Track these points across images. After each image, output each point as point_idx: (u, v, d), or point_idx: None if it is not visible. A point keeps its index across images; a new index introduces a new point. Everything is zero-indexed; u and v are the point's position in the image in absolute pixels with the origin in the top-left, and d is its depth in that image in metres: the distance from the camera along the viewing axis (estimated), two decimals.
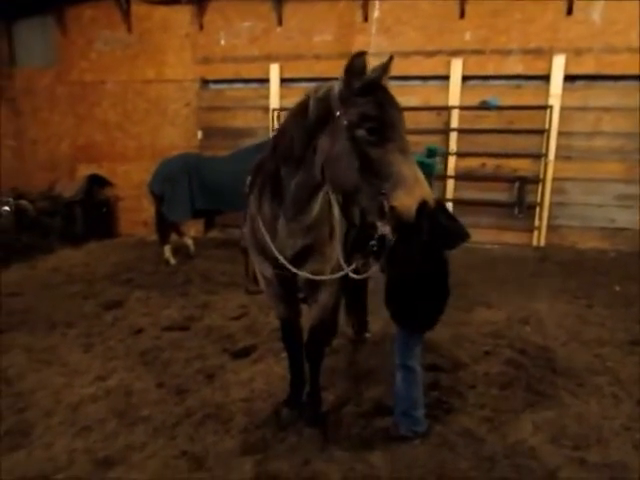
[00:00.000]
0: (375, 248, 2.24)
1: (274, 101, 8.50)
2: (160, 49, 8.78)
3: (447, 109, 7.88)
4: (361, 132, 2.08)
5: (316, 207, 2.57)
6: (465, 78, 7.78)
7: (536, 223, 7.95)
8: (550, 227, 7.96)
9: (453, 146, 7.94)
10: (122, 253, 8.10)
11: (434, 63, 7.82)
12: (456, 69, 7.73)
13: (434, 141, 8.00)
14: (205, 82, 8.84)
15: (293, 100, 8.22)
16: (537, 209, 7.91)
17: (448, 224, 2.88)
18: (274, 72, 8.41)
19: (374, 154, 2.07)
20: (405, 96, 7.97)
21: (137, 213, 8.91)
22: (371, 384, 3.70)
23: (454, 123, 7.88)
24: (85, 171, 9.16)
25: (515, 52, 7.49)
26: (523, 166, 7.81)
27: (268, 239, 2.66)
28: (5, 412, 3.34)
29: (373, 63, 7.84)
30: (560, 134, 7.60)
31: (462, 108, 7.85)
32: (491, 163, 7.92)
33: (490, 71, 7.69)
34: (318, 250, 2.74)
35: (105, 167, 9.27)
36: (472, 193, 8.05)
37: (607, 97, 7.46)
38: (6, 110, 9.52)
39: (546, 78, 7.53)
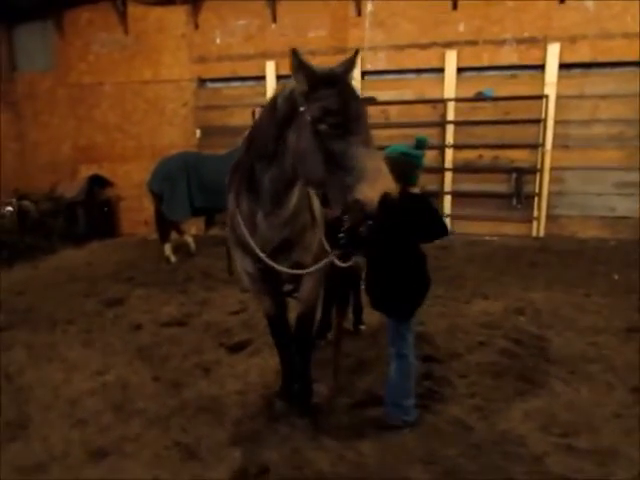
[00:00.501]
0: (343, 241, 2.29)
1: None
2: (157, 50, 8.85)
3: (443, 101, 7.88)
4: (323, 126, 2.13)
5: (293, 200, 2.61)
6: (460, 70, 7.77)
7: (535, 213, 7.94)
8: (549, 217, 7.95)
9: (450, 138, 7.94)
10: (124, 252, 8.19)
11: (428, 55, 7.83)
12: (450, 61, 7.72)
13: (431, 134, 8.04)
14: (202, 81, 8.90)
15: None
16: (536, 199, 7.89)
17: (428, 217, 2.92)
18: (270, 69, 8.45)
19: (337, 148, 2.11)
20: (400, 89, 8.03)
21: (138, 212, 8.99)
22: (364, 375, 3.74)
23: (450, 115, 7.88)
24: (86, 172, 9.26)
25: (509, 42, 7.48)
26: (520, 156, 7.80)
27: (247, 234, 2.71)
28: (5, 406, 3.43)
29: (368, 57, 7.89)
30: (557, 123, 7.58)
31: (458, 100, 7.85)
32: (488, 154, 7.91)
33: (485, 62, 7.68)
34: (298, 242, 2.78)
35: (106, 168, 9.37)
36: (470, 185, 8.05)
37: (604, 84, 7.42)
38: (8, 114, 9.63)
39: (541, 67, 7.50)
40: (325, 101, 2.15)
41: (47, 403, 3.46)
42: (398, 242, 2.83)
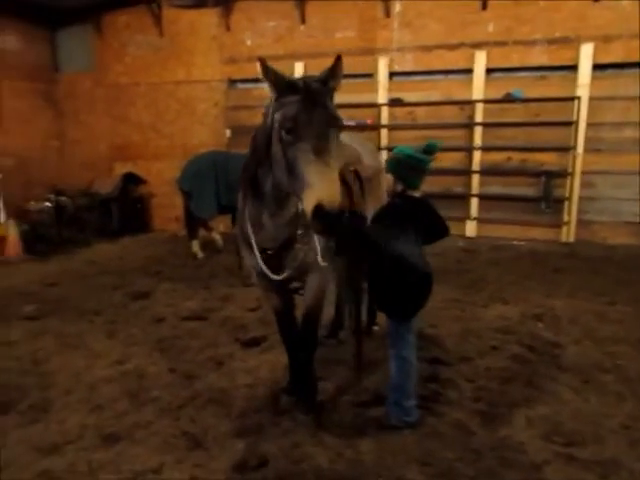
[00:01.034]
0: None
1: None
2: (189, 51, 9.09)
3: (471, 103, 7.79)
4: (283, 133, 2.21)
5: (296, 201, 2.69)
6: (489, 70, 7.67)
7: (565, 218, 7.76)
8: (579, 222, 7.75)
9: (477, 140, 7.85)
10: (154, 247, 8.48)
11: (457, 56, 7.76)
12: (479, 62, 7.63)
13: (458, 135, 8.00)
14: (232, 82, 9.09)
15: None
16: (565, 204, 7.71)
17: (428, 219, 2.96)
18: (298, 70, 8.54)
19: (291, 154, 2.20)
20: (427, 90, 8.00)
21: (169, 209, 9.27)
22: (371, 375, 3.78)
23: (478, 117, 7.79)
24: (121, 169, 9.62)
25: (540, 42, 7.32)
26: (550, 159, 7.63)
27: (252, 233, 2.82)
28: (30, 390, 3.66)
29: (396, 58, 7.90)
30: (589, 125, 7.38)
31: (486, 101, 7.75)
32: (517, 157, 7.79)
33: (514, 63, 7.55)
34: (301, 241, 2.86)
35: (140, 165, 9.70)
36: (497, 188, 7.94)
37: (636, 85, 7.15)
38: (51, 113, 10.09)
39: (573, 68, 7.32)
40: (285, 108, 2.24)
41: (68, 388, 3.67)
42: (397, 243, 2.87)
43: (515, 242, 7.85)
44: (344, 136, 4.32)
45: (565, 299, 5.51)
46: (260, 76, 2.33)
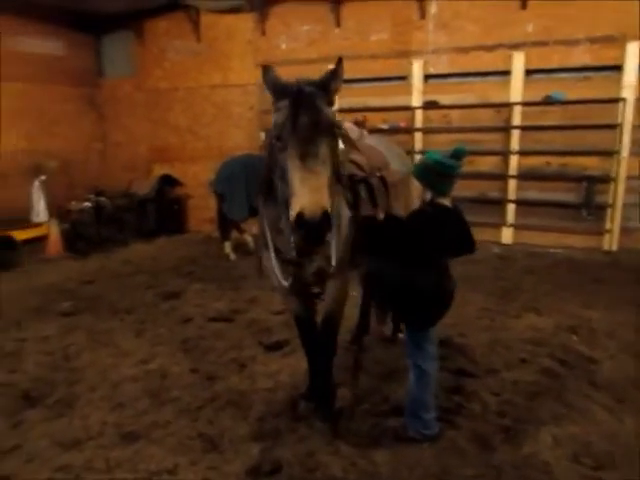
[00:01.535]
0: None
1: None
2: (225, 55, 9.22)
3: (508, 105, 7.56)
4: (274, 138, 2.20)
5: None
6: (527, 72, 7.42)
7: (607, 226, 7.42)
8: (623, 230, 7.39)
9: (514, 144, 7.61)
10: (188, 248, 8.63)
11: (494, 57, 7.54)
12: (518, 63, 7.39)
13: (494, 139, 7.79)
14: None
15: (351, 100, 8.29)
16: (608, 210, 7.37)
17: (457, 231, 2.86)
18: None
19: (281, 160, 2.18)
20: (463, 93, 7.83)
21: (204, 211, 9.40)
22: (392, 384, 3.72)
23: (516, 120, 7.54)
24: (159, 171, 9.84)
25: (582, 41, 7.02)
26: (591, 164, 7.30)
27: (270, 238, 2.81)
28: (59, 384, 3.79)
29: (431, 60, 7.79)
30: (635, 128, 7.03)
31: (524, 104, 7.50)
32: (556, 161, 7.49)
33: (555, 63, 7.26)
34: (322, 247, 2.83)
35: (177, 167, 9.90)
36: (535, 193, 7.66)
37: None
38: (94, 116, 10.45)
39: (618, 68, 6.98)
40: (277, 113, 2.24)
41: (94, 385, 3.79)
42: (418, 252, 2.80)
43: (552, 250, 7.56)
44: (371, 140, 4.31)
45: (603, 311, 5.25)
46: (264, 81, 2.40)
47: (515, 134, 7.61)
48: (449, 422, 3.22)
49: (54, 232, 7.88)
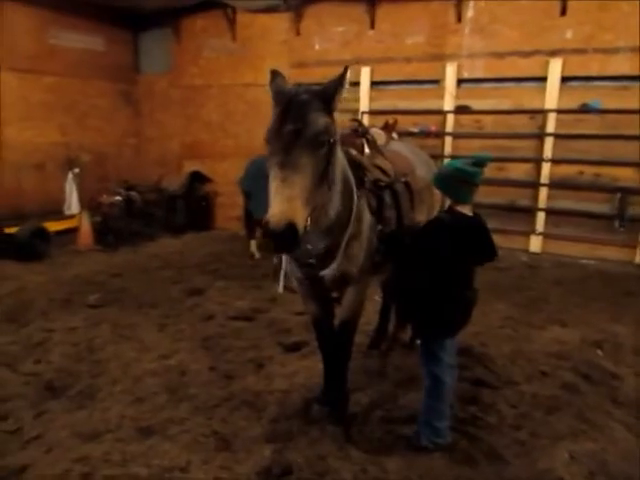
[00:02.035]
0: None
1: (364, 104, 8.60)
2: (260, 55, 9.28)
3: (543, 112, 7.39)
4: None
5: (331, 210, 2.67)
6: (564, 79, 7.24)
7: None
8: None
9: (548, 152, 7.43)
10: (214, 245, 8.74)
11: (530, 64, 7.38)
12: (555, 70, 7.21)
13: (527, 146, 7.63)
14: (298, 85, 9.17)
15: (382, 103, 8.26)
16: None
17: (477, 239, 2.82)
18: (365, 75, 8.51)
19: (268, 165, 2.21)
20: (497, 98, 7.69)
21: (232, 208, 9.49)
22: (409, 391, 3.69)
23: (550, 127, 7.36)
24: (189, 167, 10.00)
25: (622, 50, 6.80)
26: (626, 175, 7.07)
27: None
28: (82, 376, 3.89)
29: (465, 65, 7.68)
30: None
31: (560, 111, 7.31)
32: (589, 171, 7.29)
33: (593, 71, 7.06)
34: (341, 251, 2.84)
35: (207, 164, 10.03)
36: (567, 203, 7.47)
37: None
38: (129, 111, 10.69)
39: None
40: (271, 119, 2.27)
41: (116, 378, 3.87)
42: (434, 260, 2.77)
43: (583, 261, 7.37)
44: (398, 145, 4.29)
45: (632, 326, 5.10)
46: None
47: (549, 141, 7.44)
48: (463, 433, 3.18)
49: (85, 225, 8.09)
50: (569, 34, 7.11)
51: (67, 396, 3.58)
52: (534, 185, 7.64)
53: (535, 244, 7.76)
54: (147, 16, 10.08)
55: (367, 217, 3.00)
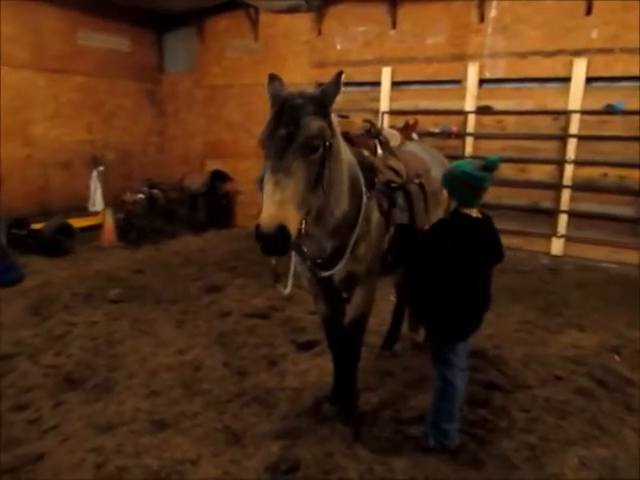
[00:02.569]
0: None
1: (384, 104, 8.59)
2: (281, 55, 9.35)
3: (566, 113, 7.27)
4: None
5: (337, 211, 2.70)
6: (588, 80, 7.10)
7: None
8: None
9: (571, 153, 7.30)
10: (234, 243, 8.84)
11: (554, 64, 7.26)
12: (579, 70, 7.08)
13: (549, 147, 7.52)
14: (319, 85, 9.21)
15: (403, 103, 8.25)
16: None
17: (485, 242, 2.82)
18: (385, 75, 8.49)
19: (265, 168, 2.23)
20: (519, 99, 7.60)
21: (252, 207, 9.57)
22: (419, 393, 3.70)
23: (573, 129, 7.23)
24: (211, 166, 10.14)
25: None
26: None
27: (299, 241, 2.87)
28: (100, 369, 4.01)
29: (487, 65, 7.62)
30: None
31: (583, 112, 7.18)
32: (613, 173, 7.14)
33: (618, 72, 6.90)
34: (351, 252, 2.87)
35: (229, 163, 10.16)
36: (590, 205, 7.33)
37: None
38: (154, 111, 10.90)
39: None
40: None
41: (132, 372, 3.98)
42: (444, 264, 2.78)
43: (605, 264, 7.23)
44: (413, 147, 4.29)
45: None
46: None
47: (572, 143, 7.31)
48: (472, 435, 3.18)
49: (109, 222, 8.27)
50: (594, 34, 6.96)
51: (84, 388, 3.70)
52: (556, 187, 7.52)
53: (557, 247, 7.64)
54: (171, 17, 10.25)
55: (376, 218, 3.02)
